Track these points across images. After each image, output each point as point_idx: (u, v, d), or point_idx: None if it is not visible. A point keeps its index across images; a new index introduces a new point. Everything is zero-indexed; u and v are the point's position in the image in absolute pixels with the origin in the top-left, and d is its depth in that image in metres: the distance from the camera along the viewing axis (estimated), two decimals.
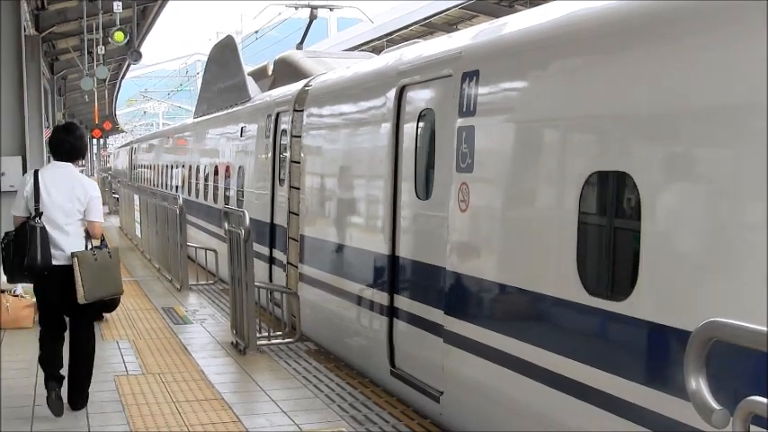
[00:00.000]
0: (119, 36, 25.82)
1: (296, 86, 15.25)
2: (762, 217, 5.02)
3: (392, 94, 10.31)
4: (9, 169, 15.83)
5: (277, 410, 9.44)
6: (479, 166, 8.22)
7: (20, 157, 15.98)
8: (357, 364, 11.32)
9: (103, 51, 30.23)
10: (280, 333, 12.99)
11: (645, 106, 6.16)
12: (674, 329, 5.64)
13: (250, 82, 20.26)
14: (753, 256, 5.11)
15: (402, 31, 35.36)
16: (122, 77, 52.75)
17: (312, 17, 22.77)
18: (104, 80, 36.15)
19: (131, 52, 29.25)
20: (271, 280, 15.18)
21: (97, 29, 28.59)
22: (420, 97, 9.81)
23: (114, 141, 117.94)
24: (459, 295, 8.60)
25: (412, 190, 9.78)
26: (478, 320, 8.22)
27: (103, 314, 14.05)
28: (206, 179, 22.97)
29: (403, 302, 9.91)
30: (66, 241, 9.07)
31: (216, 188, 21.43)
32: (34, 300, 13.56)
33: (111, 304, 13.65)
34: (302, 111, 14.02)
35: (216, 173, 21.49)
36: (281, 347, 12.48)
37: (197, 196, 24.05)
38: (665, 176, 5.92)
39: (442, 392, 8.91)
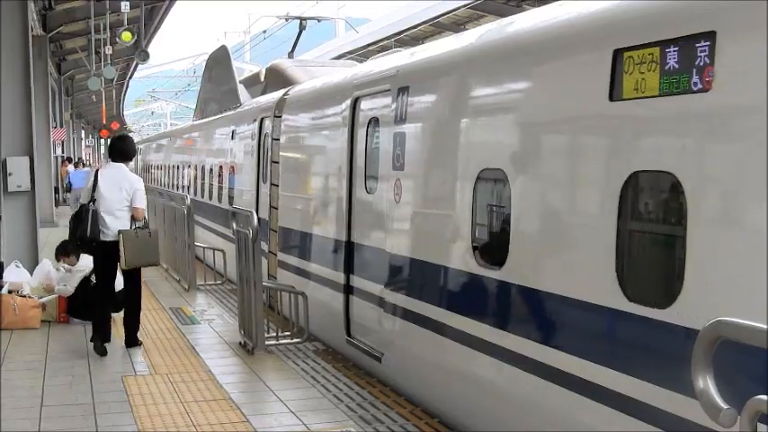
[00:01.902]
0: (126, 36, 25.85)
1: (277, 94, 17.08)
2: (589, 206, 7.07)
3: (348, 104, 12.15)
4: (16, 169, 15.85)
5: (285, 410, 9.44)
6: (408, 165, 10.10)
7: (27, 157, 16.01)
8: (322, 336, 12.72)
9: (111, 51, 30.31)
10: (288, 333, 12.99)
11: (512, 118, 8.26)
12: (533, 290, 7.56)
13: (241, 89, 22.31)
14: (584, 235, 7.00)
15: (410, 31, 35.35)
16: (130, 77, 52.86)
17: (301, 28, 25.11)
18: (112, 80, 36.23)
19: (139, 52, 29.28)
20: None
21: (105, 29, 28.63)
22: (369, 107, 11.58)
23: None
24: (393, 272, 10.38)
25: (362, 185, 11.60)
26: (407, 292, 10.07)
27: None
28: (203, 178, 24.87)
29: (356, 281, 11.64)
30: (115, 223, 11.83)
31: (211, 186, 23.31)
32: (41, 300, 13.69)
33: (119, 304, 13.70)
34: (281, 117, 15.97)
35: (211, 172, 23.48)
36: (288, 347, 12.48)
37: (195, 194, 25.41)
38: (524, 173, 7.87)
39: (382, 354, 10.65)
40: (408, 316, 9.94)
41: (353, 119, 11.96)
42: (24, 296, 13.77)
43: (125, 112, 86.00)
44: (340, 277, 12.00)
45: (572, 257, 7.14)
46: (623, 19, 6.91)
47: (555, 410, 7.15)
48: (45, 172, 23.35)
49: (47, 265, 14.65)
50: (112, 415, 9.23)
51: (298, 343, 12.67)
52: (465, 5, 30.28)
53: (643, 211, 6.65)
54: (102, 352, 11.83)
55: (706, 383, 3.92)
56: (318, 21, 28.55)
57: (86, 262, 13.86)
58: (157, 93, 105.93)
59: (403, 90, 10.33)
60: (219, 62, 25.52)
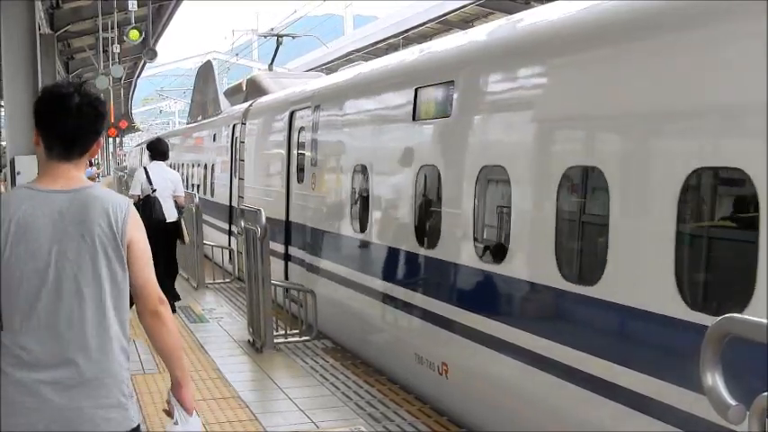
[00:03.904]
0: (134, 34, 25.77)
1: (245, 105, 21.25)
2: (403, 188, 10.69)
3: (287, 115, 16.07)
4: (25, 168, 15.86)
5: (294, 409, 9.45)
6: (319, 162, 14.06)
7: (35, 156, 16.00)
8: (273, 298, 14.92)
9: (119, 50, 30.18)
10: (296, 331, 13.02)
11: (365, 130, 12.53)
12: (379, 244, 11.49)
13: (222, 98, 27.01)
14: (401, 208, 10.83)
15: (418, 29, 35.30)
16: (138, 76, 52.88)
17: (278, 44, 29.66)
18: (120, 79, 36.09)
19: (147, 51, 29.20)
20: (229, 245, 21.13)
21: (112, 27, 28.55)
22: (299, 118, 15.42)
23: (131, 140, 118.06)
24: (311, 240, 14.27)
25: (295, 179, 15.37)
26: (319, 254, 13.87)
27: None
28: (192, 174, 29.30)
29: (291, 250, 15.35)
30: (166, 208, 14.58)
31: (200, 181, 27.51)
32: None
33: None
34: (246, 124, 20.12)
35: (198, 168, 27.98)
36: (297, 345, 12.51)
37: (187, 188, 27.47)
38: (375, 168, 11.68)
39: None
40: (317, 271, 13.81)
41: (290, 127, 15.85)
42: None
43: (133, 111, 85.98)
44: (281, 248, 15.46)
45: (398, 223, 10.97)
46: (420, 68, 11.26)
47: (387, 324, 11.29)
48: None
49: None
50: None
51: (306, 341, 12.70)
52: (473, 3, 30.19)
53: (423, 189, 10.26)
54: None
55: (714, 380, 3.92)
56: (293, 38, 32.95)
57: None
58: (165, 91, 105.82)
59: (317, 107, 14.34)
60: (206, 74, 30.58)
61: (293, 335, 12.90)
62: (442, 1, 32.85)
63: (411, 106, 10.46)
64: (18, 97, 16.16)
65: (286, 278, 15.21)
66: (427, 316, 9.88)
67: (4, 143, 17.39)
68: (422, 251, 10.14)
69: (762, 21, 5.51)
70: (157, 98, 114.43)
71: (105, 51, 31.07)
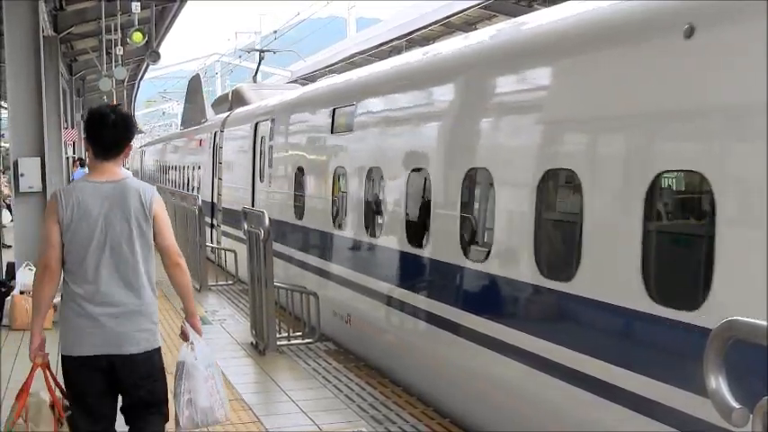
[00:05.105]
0: (137, 37, 25.78)
1: (224, 115, 24.87)
2: (324, 186, 14.18)
3: (252, 125, 19.61)
4: (28, 170, 15.85)
5: (297, 410, 9.46)
6: (274, 165, 17.48)
7: (38, 158, 16.00)
8: (244, 279, 16.83)
9: (122, 52, 30.23)
10: (299, 333, 13.04)
11: (301, 139, 16.00)
12: (312, 228, 14.51)
13: (208, 108, 31.37)
14: (323, 201, 14.21)
15: (421, 31, 35.24)
16: (141, 78, 52.86)
17: (261, 59, 36.27)
18: (123, 81, 36.17)
19: (150, 53, 29.23)
20: (212, 239, 23.83)
21: (115, 29, 28.54)
22: (261, 129, 18.86)
23: (133, 142, 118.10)
24: (275, 230, 14.83)
25: (259, 178, 18.75)
26: (282, 241, 15.71)
27: None
28: (183, 175, 32.85)
29: None
30: None
31: (187, 180, 31.42)
32: (53, 301, 13.70)
33: None
34: (224, 131, 23.65)
35: (187, 169, 31.76)
36: (300, 348, 12.52)
37: (179, 186, 33.21)
38: (308, 170, 14.95)
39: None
40: (287, 258, 15.71)
41: (255, 135, 19.21)
42: None
43: (136, 113, 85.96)
44: None
45: (321, 211, 13.98)
46: (337, 93, 14.51)
47: (311, 287, 13.74)
48: (56, 172, 23.33)
49: None
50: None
51: (309, 343, 12.71)
52: (476, 5, 30.10)
53: (342, 186, 13.08)
54: None
55: (718, 383, 3.91)
56: (274, 53, 38.03)
57: None
58: (168, 93, 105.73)
59: (274, 120, 17.73)
60: (195, 85, 35.03)
61: (296, 337, 12.91)
62: (446, 1, 32.78)
63: (330, 122, 13.73)
64: (21, 99, 16.13)
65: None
66: (332, 276, 13.40)
67: (6, 145, 17.40)
68: (335, 231, 13.43)
69: None
70: (160, 100, 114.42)
71: (108, 53, 31.08)
